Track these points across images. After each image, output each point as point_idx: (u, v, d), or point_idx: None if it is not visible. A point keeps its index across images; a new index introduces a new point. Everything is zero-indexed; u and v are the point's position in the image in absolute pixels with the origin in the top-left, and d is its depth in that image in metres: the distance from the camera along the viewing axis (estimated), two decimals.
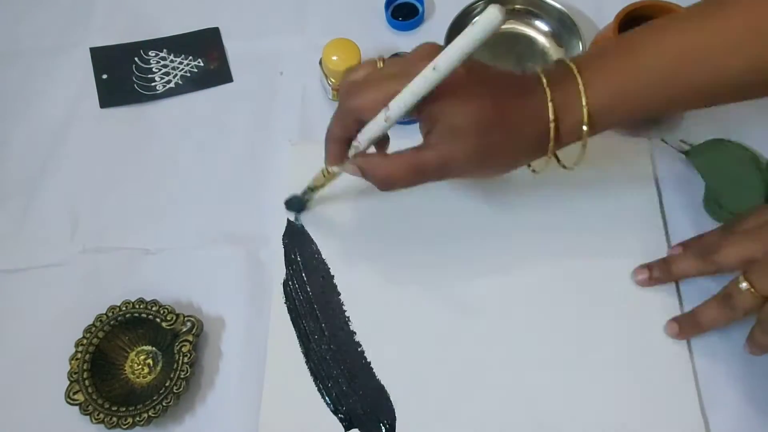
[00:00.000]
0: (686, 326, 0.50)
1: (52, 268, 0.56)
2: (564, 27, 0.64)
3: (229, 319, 0.54)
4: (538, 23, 0.66)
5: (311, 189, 0.54)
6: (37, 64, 0.66)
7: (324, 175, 0.51)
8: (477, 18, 0.36)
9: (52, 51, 0.67)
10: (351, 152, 0.46)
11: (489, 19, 0.35)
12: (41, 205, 0.60)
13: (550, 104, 0.42)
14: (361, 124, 0.44)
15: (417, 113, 0.43)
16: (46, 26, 0.69)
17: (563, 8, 0.64)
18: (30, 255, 0.57)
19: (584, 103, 0.43)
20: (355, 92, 0.43)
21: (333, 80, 0.60)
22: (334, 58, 0.59)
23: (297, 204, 0.57)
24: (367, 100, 0.43)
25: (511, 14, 0.66)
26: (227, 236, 0.57)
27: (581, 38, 0.62)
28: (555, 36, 0.65)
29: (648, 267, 0.53)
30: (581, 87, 0.43)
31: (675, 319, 0.51)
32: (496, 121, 0.42)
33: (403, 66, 0.42)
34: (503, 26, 0.66)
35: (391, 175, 0.44)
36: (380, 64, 0.46)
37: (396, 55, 0.60)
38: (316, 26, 0.67)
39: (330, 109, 0.63)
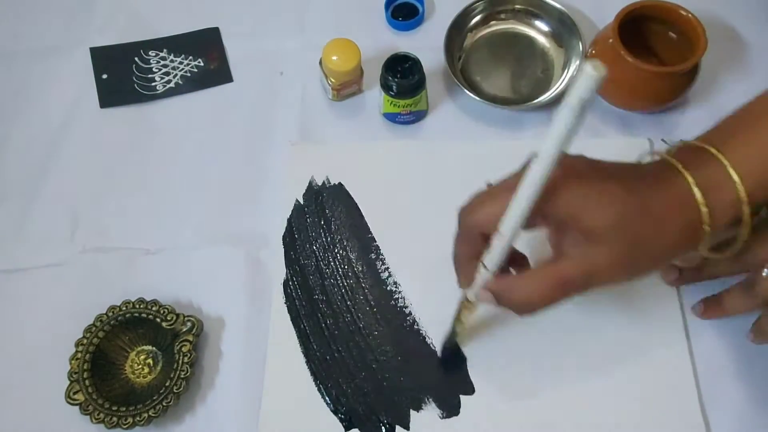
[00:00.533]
0: (711, 308, 0.51)
1: (52, 268, 0.56)
2: (564, 27, 0.64)
3: (229, 319, 0.54)
4: (538, 23, 0.66)
5: (457, 324, 0.49)
6: (37, 64, 0.66)
7: (464, 306, 0.46)
8: (571, 88, 0.30)
9: (52, 51, 0.67)
10: (478, 279, 0.42)
11: (587, 81, 0.30)
12: (41, 205, 0.60)
13: (695, 189, 0.38)
14: (486, 239, 0.40)
15: (542, 220, 0.39)
16: (46, 26, 0.69)
17: (563, 8, 0.64)
18: (30, 255, 0.57)
19: (737, 179, 0.38)
20: (472, 207, 0.40)
21: (333, 80, 0.60)
22: (334, 58, 0.59)
23: (452, 345, 0.51)
24: (484, 213, 0.39)
25: (511, 14, 0.66)
26: (227, 236, 0.57)
27: (581, 38, 0.62)
28: (555, 36, 0.65)
29: (679, 268, 0.52)
30: (727, 164, 0.38)
31: (702, 300, 0.51)
32: (637, 216, 0.37)
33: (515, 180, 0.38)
34: (503, 26, 0.67)
35: (531, 297, 0.39)
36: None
37: (398, 57, 0.60)
38: (316, 26, 0.67)
39: (330, 110, 0.63)
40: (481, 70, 0.64)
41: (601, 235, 0.37)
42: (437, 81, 0.63)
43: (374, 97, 0.62)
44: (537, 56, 0.65)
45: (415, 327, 0.53)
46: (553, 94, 0.61)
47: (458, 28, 0.64)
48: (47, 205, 0.59)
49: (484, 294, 0.42)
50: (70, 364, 0.50)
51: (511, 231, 0.38)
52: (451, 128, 0.61)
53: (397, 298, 0.54)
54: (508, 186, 0.37)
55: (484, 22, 0.66)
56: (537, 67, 0.64)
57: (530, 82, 0.63)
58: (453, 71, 0.62)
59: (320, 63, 0.61)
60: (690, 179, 0.38)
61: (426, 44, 0.64)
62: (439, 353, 0.52)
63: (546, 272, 0.39)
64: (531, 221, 0.38)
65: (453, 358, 0.52)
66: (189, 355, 0.50)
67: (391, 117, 0.61)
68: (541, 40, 0.65)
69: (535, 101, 0.61)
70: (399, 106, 0.59)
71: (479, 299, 0.43)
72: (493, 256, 0.40)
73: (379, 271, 0.55)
